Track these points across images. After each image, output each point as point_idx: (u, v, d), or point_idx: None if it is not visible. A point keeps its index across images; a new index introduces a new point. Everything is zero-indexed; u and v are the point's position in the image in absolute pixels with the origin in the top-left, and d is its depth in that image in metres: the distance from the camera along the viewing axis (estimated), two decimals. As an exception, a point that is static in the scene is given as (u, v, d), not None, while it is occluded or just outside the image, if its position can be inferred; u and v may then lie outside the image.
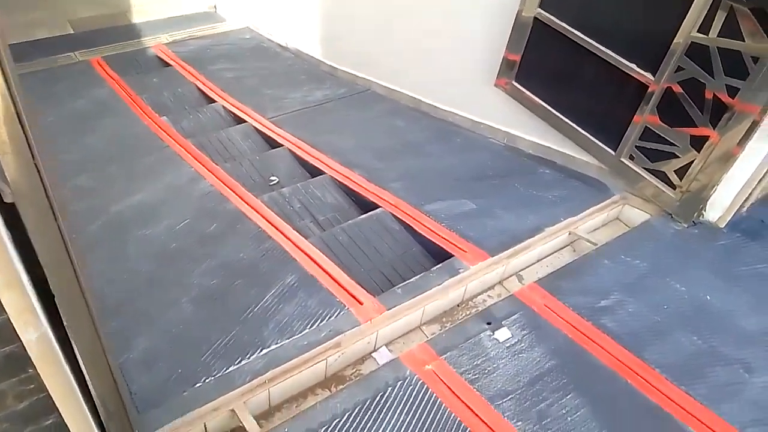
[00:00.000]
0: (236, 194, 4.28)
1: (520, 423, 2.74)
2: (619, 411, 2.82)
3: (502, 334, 3.22)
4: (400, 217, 4.13)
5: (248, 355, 2.98)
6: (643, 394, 2.90)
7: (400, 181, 4.55)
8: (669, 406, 2.84)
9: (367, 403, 2.82)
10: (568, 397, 2.87)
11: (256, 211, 4.09)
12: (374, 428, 2.70)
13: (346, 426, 2.71)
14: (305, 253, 3.68)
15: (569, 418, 2.76)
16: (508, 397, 2.86)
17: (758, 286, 3.60)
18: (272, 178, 4.74)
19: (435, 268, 3.65)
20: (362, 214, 4.23)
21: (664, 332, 3.25)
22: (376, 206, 4.27)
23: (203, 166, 4.64)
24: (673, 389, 2.92)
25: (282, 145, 5.12)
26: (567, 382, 2.95)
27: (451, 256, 3.76)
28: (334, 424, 2.72)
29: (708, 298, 3.49)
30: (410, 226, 4.06)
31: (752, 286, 3.59)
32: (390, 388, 2.89)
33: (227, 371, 2.89)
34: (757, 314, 3.39)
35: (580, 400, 2.86)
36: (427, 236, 3.95)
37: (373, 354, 3.22)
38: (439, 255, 3.85)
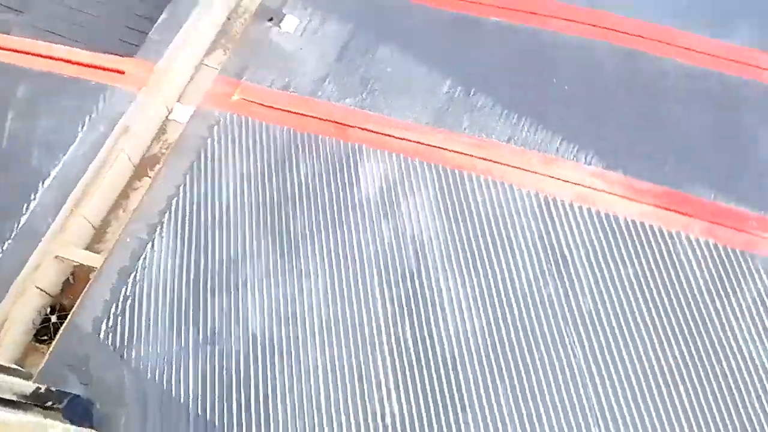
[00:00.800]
0: None
1: (349, 99, 2.60)
2: (424, 36, 2.74)
3: (289, 23, 2.83)
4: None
5: (33, 196, 2.41)
6: (441, 9, 2.81)
7: None
8: (471, 9, 2.81)
9: (195, 166, 2.50)
10: (378, 50, 2.72)
11: None
12: (216, 184, 2.45)
13: (186, 204, 2.42)
14: (18, 51, 2.79)
15: (389, 69, 2.66)
16: (327, 82, 2.65)
17: None
18: None
19: (181, -11, 2.96)
20: (56, -33, 3.18)
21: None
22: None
23: None
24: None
25: None
26: (371, 36, 2.76)
27: (191, -34, 3.04)
28: (174, 205, 2.42)
29: None
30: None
31: None
32: (209, 140, 2.56)
33: (22, 226, 2.35)
34: None
35: (389, 47, 2.72)
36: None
37: (170, 117, 2.76)
38: (177, -27, 3.10)
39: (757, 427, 1.99)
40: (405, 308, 2.17)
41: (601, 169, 2.40)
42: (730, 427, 1.99)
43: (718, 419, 2.00)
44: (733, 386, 2.05)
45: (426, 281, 2.22)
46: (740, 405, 2.02)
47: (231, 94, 2.65)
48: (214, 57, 2.91)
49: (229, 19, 3.03)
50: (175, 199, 2.42)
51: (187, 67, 2.81)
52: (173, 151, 2.57)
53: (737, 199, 2.32)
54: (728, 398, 2.03)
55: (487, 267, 2.23)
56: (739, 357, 2.09)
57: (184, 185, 2.45)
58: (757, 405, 2.02)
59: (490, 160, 2.43)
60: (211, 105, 2.64)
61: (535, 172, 2.41)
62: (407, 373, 2.06)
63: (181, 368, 2.10)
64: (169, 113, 2.76)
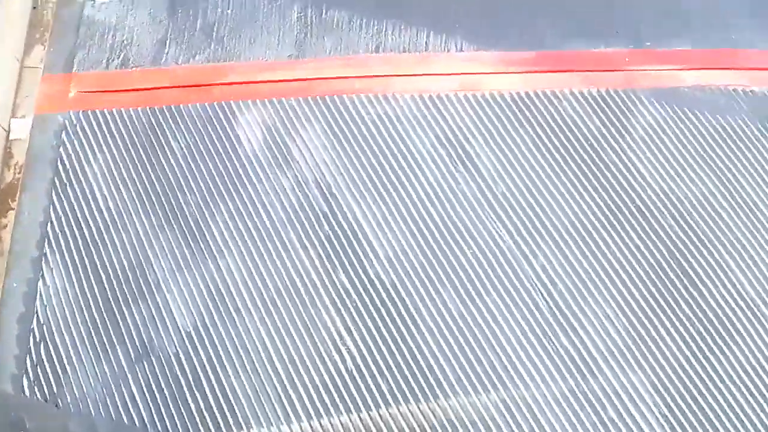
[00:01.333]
0: None
1: (198, 56, 2.38)
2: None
3: (102, -8, 2.51)
4: None
5: None
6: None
7: None
8: None
9: (56, 181, 2.24)
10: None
11: None
12: (88, 192, 2.21)
13: (63, 225, 2.17)
14: None
15: (229, 10, 2.44)
16: (167, 44, 2.41)
17: None
18: None
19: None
20: None
21: None
22: None
23: None
24: None
25: None
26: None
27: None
28: (50, 231, 2.17)
29: None
30: None
31: None
32: (61, 148, 2.28)
33: None
34: None
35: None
36: None
37: (11, 138, 2.43)
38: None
39: (683, 249, 2.13)
40: (330, 250, 2.11)
41: (473, 52, 2.35)
42: (659, 257, 2.11)
43: (648, 255, 2.12)
44: (650, 218, 2.16)
45: (342, 217, 2.15)
46: (662, 234, 2.14)
47: (67, 91, 2.35)
48: (34, 55, 2.55)
49: (35, 7, 2.64)
50: (48, 224, 2.17)
51: (7, 76, 2.45)
52: (27, 173, 2.28)
53: (606, 41, 2.35)
54: (650, 231, 2.14)
55: (396, 183, 2.18)
56: (648, 189, 2.20)
57: (53, 206, 2.20)
58: (677, 228, 2.15)
59: (366, 76, 2.33)
60: (50, 109, 2.34)
61: (413, 74, 2.33)
62: (353, 311, 2.03)
63: (124, 392, 1.97)
64: (9, 133, 2.43)
